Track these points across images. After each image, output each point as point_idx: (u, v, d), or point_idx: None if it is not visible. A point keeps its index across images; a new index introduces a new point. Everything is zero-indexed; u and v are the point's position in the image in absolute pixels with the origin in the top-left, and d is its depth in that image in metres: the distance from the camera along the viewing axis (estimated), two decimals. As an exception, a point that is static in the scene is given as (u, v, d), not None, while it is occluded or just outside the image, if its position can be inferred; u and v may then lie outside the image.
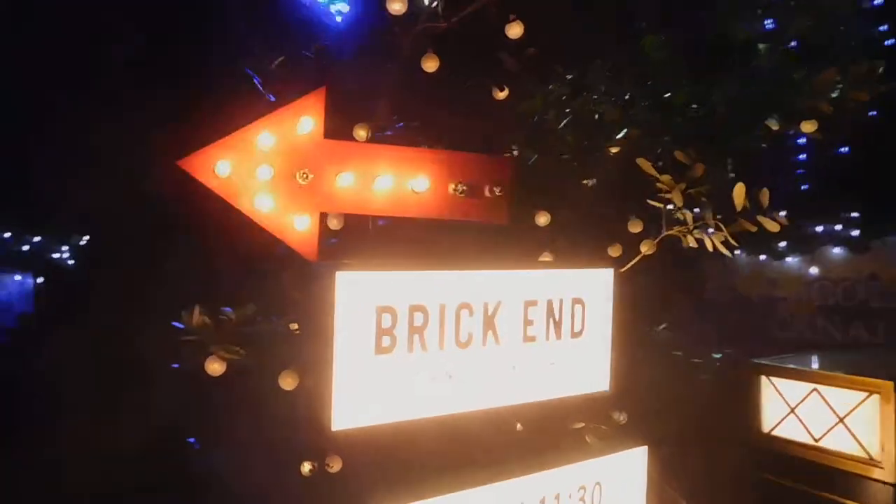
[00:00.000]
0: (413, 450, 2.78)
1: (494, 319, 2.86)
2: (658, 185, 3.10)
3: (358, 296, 2.52)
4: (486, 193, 2.88)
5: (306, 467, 2.68)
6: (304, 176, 2.55)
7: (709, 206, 3.07)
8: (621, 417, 3.60)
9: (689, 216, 3.12)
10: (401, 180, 2.71)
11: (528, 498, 2.90)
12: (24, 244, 8.19)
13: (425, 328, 2.68)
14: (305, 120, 2.55)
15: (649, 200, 3.16)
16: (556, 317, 3.06)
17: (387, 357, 2.59)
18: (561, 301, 3.08)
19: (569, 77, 3.45)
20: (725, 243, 3.09)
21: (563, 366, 3.08)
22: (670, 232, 3.18)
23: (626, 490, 3.22)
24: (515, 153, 3.28)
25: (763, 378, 3.57)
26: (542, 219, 3.38)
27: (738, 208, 3.01)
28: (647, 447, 3.27)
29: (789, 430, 3.48)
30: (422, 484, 2.66)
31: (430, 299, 2.69)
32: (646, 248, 3.25)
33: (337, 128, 2.63)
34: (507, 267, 2.91)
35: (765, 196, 2.99)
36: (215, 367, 2.51)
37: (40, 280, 8.19)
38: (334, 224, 2.87)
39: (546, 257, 3.35)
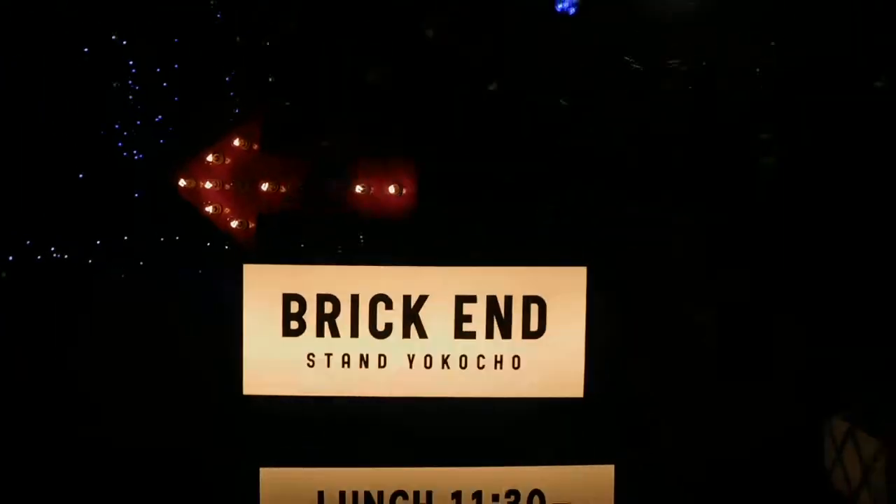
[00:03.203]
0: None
1: (419, 313, 2.97)
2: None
3: (264, 285, 2.95)
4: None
5: None
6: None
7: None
8: None
9: None
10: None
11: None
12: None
13: (337, 316, 2.96)
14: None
15: None
16: (503, 314, 3.00)
17: (295, 339, 2.96)
18: (508, 298, 3.00)
19: None
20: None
21: (516, 366, 3.00)
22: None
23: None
24: None
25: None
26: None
27: None
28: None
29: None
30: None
31: (340, 290, 2.95)
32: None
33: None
34: (431, 263, 2.98)
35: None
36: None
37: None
38: None
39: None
